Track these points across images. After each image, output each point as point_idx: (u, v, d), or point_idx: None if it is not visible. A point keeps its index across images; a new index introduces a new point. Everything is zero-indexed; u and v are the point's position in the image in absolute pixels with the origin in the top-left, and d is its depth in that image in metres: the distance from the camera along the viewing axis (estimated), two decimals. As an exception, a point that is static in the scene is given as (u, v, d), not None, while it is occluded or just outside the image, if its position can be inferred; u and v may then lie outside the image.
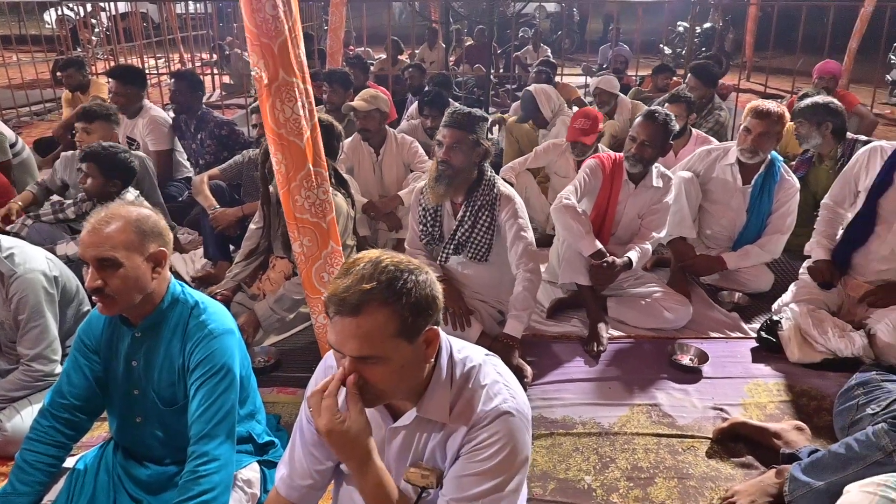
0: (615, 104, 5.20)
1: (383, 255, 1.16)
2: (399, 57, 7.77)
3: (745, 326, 2.87)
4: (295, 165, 1.70)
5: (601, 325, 2.74)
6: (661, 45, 10.79)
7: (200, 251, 3.50)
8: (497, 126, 5.39)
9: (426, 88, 4.41)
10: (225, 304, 2.74)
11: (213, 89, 8.59)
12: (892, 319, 2.56)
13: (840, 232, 2.90)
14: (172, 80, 4.25)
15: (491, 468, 1.17)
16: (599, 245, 2.75)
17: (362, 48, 10.85)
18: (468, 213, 2.55)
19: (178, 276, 3.29)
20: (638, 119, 2.88)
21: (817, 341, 2.59)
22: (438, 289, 1.19)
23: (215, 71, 8.74)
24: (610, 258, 2.73)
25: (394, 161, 3.59)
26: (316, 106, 4.76)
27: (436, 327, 1.19)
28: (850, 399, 1.86)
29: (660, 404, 2.32)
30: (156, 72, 8.29)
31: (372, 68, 8.04)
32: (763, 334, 2.69)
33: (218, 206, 3.16)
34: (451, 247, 2.62)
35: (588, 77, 8.15)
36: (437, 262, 2.67)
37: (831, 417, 2.18)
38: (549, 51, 9.68)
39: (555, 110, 4.47)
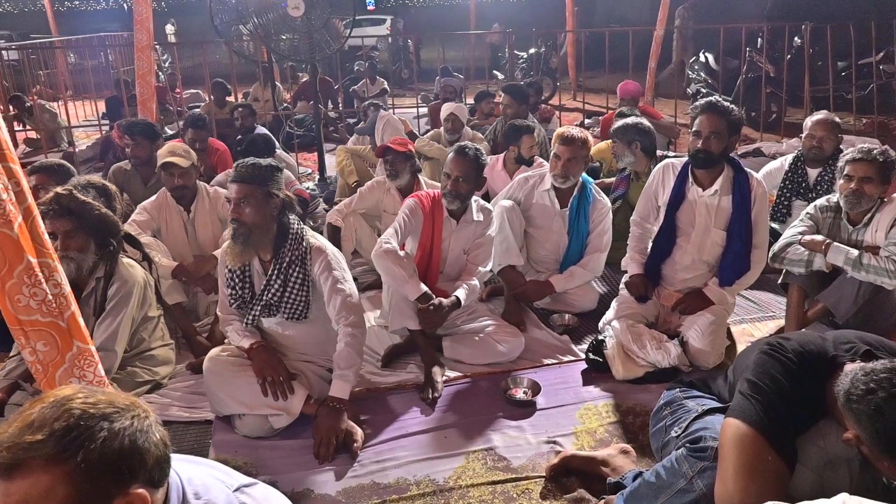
0: (461, 135, 5.25)
1: (78, 394, 0.92)
2: (227, 98, 7.39)
3: (576, 348, 2.93)
4: (9, 260, 1.42)
5: (435, 370, 2.66)
6: (494, 72, 11.29)
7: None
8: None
9: (240, 137, 4.15)
10: (-1, 407, 2.35)
11: (16, 146, 7.67)
12: (700, 325, 2.74)
13: (650, 245, 3.08)
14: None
15: None
16: (424, 288, 2.68)
17: (190, 90, 10.35)
18: (277, 271, 2.37)
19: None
20: (450, 155, 2.86)
21: (638, 356, 2.69)
22: (152, 438, 0.95)
23: (16, 126, 7.81)
24: (437, 300, 2.67)
25: (207, 217, 3.31)
26: (120, 162, 4.38)
27: (142, 491, 0.93)
28: (660, 420, 1.90)
29: (495, 447, 2.27)
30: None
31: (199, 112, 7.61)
32: (591, 355, 2.75)
33: None
34: (259, 307, 2.42)
35: (422, 106, 8.29)
36: (245, 325, 2.45)
37: (655, 432, 2.24)
38: (386, 83, 9.75)
39: (386, 140, 4.41)
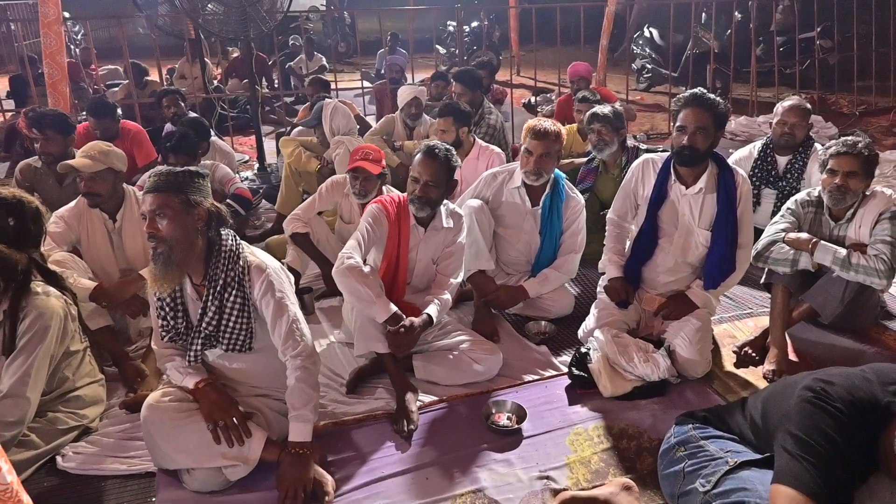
0: (420, 121, 4.90)
1: None
2: (147, 78, 6.74)
3: (556, 361, 2.73)
4: None
5: (408, 397, 2.39)
6: (436, 46, 10.88)
7: None
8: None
9: (167, 132, 3.64)
10: None
11: None
12: (687, 333, 2.58)
13: (629, 245, 2.90)
14: None
15: None
16: (394, 308, 2.39)
17: (107, 66, 9.48)
18: (211, 296, 2.04)
19: None
20: (417, 156, 2.57)
21: (625, 369, 2.51)
22: None
23: None
24: (407, 321, 2.39)
25: (136, 226, 2.87)
26: (29, 156, 3.84)
27: None
28: (674, 462, 1.72)
29: (483, 488, 2.04)
30: None
31: (117, 94, 6.92)
32: (574, 371, 2.56)
33: None
34: (199, 340, 2.09)
35: (365, 82, 7.86)
36: (188, 361, 2.12)
37: (653, 459, 2.08)
38: (325, 59, 9.22)
39: (337, 131, 4.04)
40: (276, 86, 8.83)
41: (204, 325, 2.07)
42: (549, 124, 2.90)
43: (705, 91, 2.57)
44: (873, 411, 1.32)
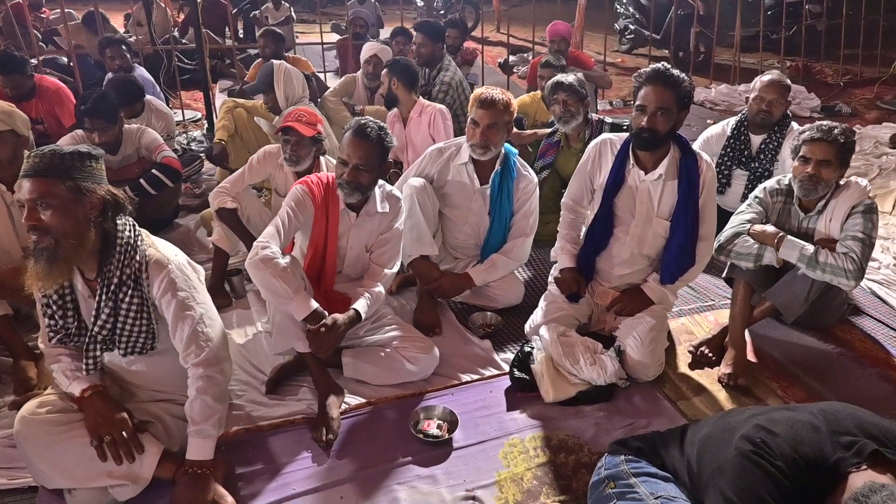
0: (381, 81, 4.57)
1: None
2: (112, 24, 6.23)
3: (498, 359, 2.53)
4: None
5: (331, 402, 2.18)
6: (414, -2, 10.37)
7: None
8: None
9: (95, 92, 3.19)
10: None
11: None
12: (640, 332, 2.39)
13: (584, 232, 2.68)
14: None
15: None
16: (314, 305, 2.16)
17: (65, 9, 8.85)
18: (105, 296, 1.80)
19: None
20: (346, 136, 2.29)
21: (570, 372, 2.32)
22: None
23: None
24: (329, 319, 2.16)
25: (40, 201, 2.59)
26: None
27: None
28: (603, 500, 1.54)
29: (402, 510, 1.86)
30: None
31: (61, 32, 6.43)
32: (516, 372, 2.36)
33: None
34: (97, 345, 1.85)
35: (335, 35, 7.42)
36: (86, 371, 1.88)
37: (590, 477, 1.90)
38: (292, 9, 8.68)
39: (291, 99, 3.72)
40: (240, 36, 8.34)
41: (97, 327, 1.83)
42: (497, 93, 2.63)
43: (668, 66, 2.31)
44: (819, 470, 1.13)
